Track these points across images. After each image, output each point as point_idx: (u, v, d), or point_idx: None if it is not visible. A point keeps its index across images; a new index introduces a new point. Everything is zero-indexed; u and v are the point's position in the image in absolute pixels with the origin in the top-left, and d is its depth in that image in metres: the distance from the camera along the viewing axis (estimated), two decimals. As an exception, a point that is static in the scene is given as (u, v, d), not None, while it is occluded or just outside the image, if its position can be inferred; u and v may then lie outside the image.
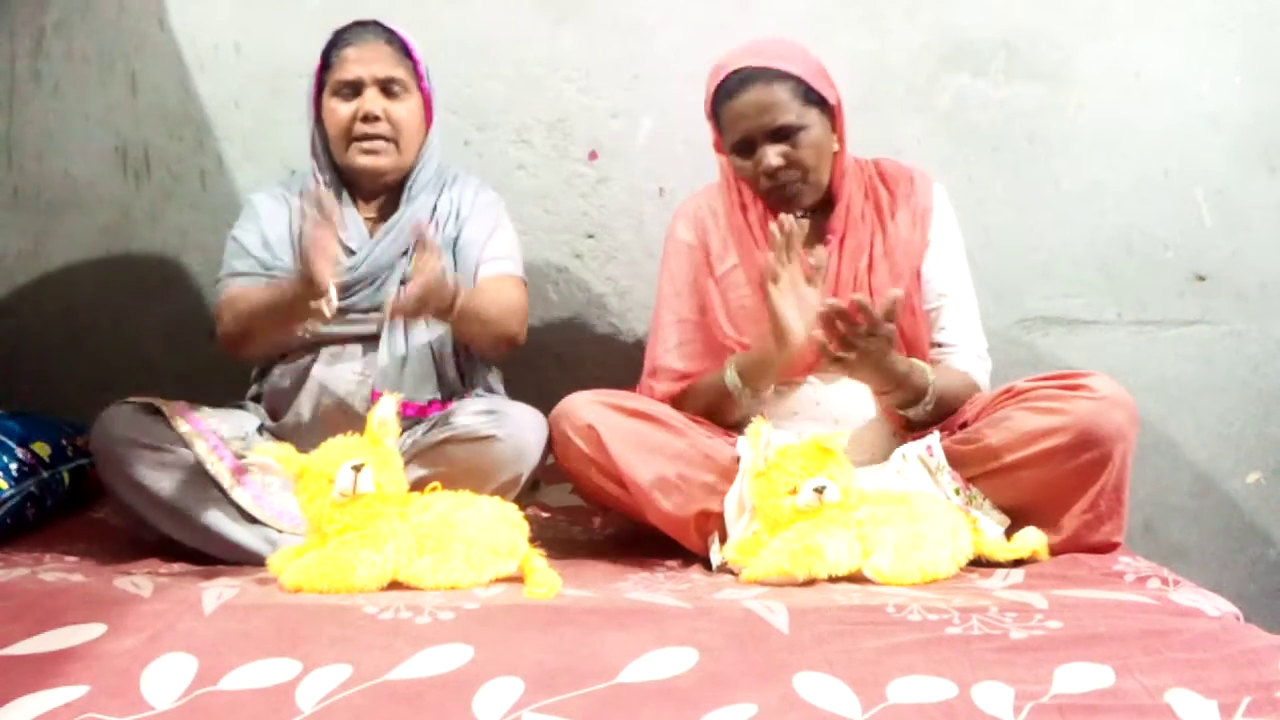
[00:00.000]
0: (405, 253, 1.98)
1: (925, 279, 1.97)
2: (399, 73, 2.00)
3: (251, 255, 2.00)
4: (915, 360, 1.85)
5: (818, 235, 1.96)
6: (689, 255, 2.03)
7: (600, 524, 2.06)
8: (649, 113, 2.47)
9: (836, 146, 1.94)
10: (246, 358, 2.04)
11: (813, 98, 1.89)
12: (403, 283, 1.94)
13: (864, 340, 1.70)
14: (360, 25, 2.02)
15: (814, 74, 1.90)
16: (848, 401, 1.92)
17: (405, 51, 2.02)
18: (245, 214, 2.08)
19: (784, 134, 1.87)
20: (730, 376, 1.88)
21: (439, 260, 1.78)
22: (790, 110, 1.86)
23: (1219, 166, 2.45)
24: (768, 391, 1.91)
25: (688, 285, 2.02)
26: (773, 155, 1.87)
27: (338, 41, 2.01)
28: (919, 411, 1.84)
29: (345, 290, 1.91)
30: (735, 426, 1.89)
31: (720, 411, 1.93)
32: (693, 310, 2.01)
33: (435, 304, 1.79)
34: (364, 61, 1.98)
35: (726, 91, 1.89)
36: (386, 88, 1.99)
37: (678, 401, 1.96)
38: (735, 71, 1.89)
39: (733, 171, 1.98)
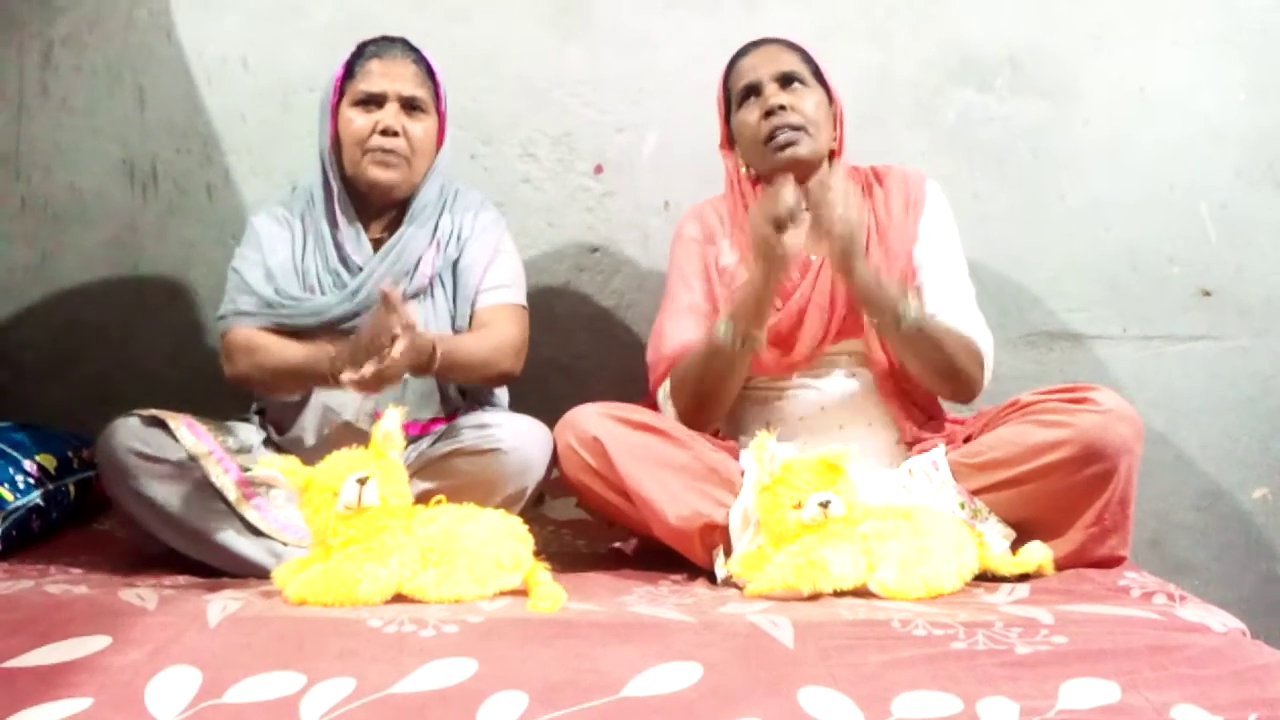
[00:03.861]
0: (407, 273, 1.98)
1: (918, 264, 1.98)
2: (421, 93, 1.99)
3: (255, 293, 1.96)
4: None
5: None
6: (698, 249, 2.06)
7: (605, 537, 2.05)
8: (654, 127, 2.47)
9: (835, 145, 2.01)
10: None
11: (819, 76, 1.99)
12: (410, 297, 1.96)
13: (836, 210, 1.76)
14: (388, 40, 2.02)
15: (821, 66, 2.00)
16: (851, 408, 1.94)
17: (429, 73, 2.02)
18: (246, 240, 2.04)
19: (789, 81, 1.97)
20: (721, 326, 1.86)
21: (404, 325, 1.69)
22: (798, 66, 1.98)
23: (1224, 182, 2.46)
24: (762, 340, 1.87)
25: (697, 275, 2.04)
26: (778, 94, 1.95)
27: (363, 52, 2.00)
28: (907, 329, 1.82)
29: (350, 317, 1.93)
30: (737, 432, 1.89)
31: (716, 378, 1.89)
32: (704, 297, 2.02)
33: (399, 374, 1.73)
34: (390, 76, 1.97)
35: (740, 54, 2.02)
36: (408, 105, 1.98)
37: (674, 384, 1.93)
38: (751, 42, 2.03)
39: (736, 173, 2.04)
